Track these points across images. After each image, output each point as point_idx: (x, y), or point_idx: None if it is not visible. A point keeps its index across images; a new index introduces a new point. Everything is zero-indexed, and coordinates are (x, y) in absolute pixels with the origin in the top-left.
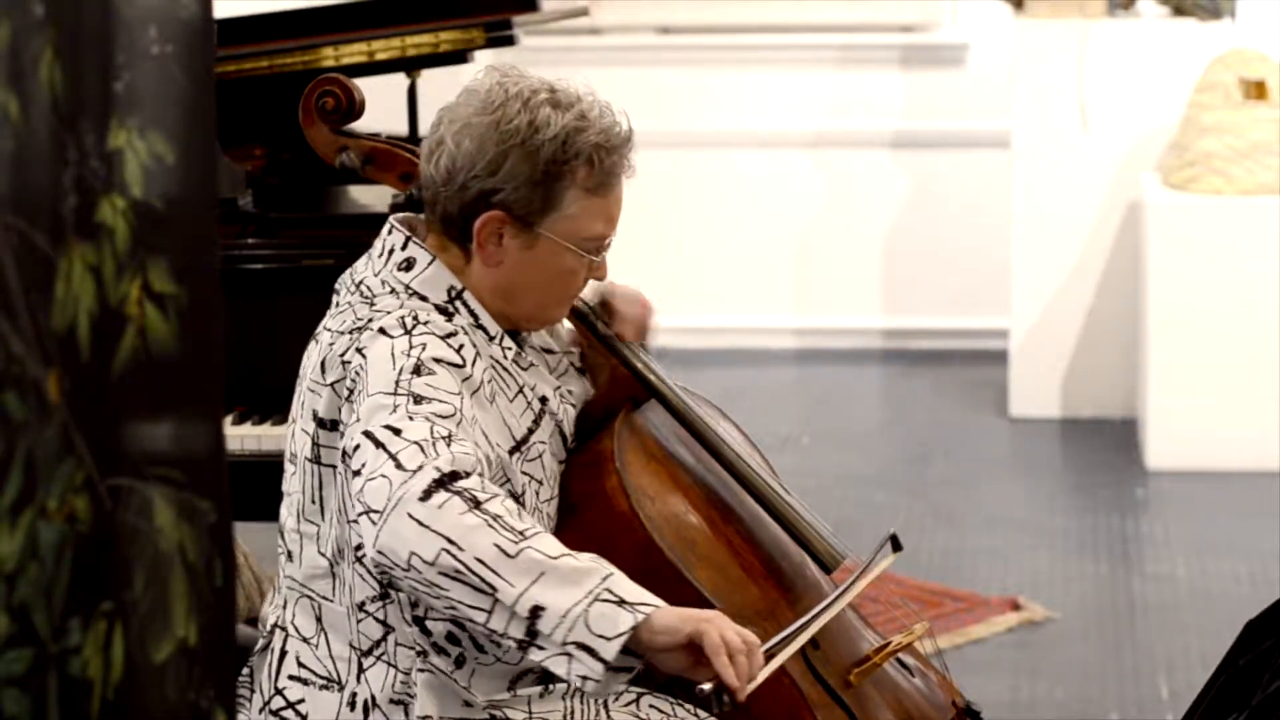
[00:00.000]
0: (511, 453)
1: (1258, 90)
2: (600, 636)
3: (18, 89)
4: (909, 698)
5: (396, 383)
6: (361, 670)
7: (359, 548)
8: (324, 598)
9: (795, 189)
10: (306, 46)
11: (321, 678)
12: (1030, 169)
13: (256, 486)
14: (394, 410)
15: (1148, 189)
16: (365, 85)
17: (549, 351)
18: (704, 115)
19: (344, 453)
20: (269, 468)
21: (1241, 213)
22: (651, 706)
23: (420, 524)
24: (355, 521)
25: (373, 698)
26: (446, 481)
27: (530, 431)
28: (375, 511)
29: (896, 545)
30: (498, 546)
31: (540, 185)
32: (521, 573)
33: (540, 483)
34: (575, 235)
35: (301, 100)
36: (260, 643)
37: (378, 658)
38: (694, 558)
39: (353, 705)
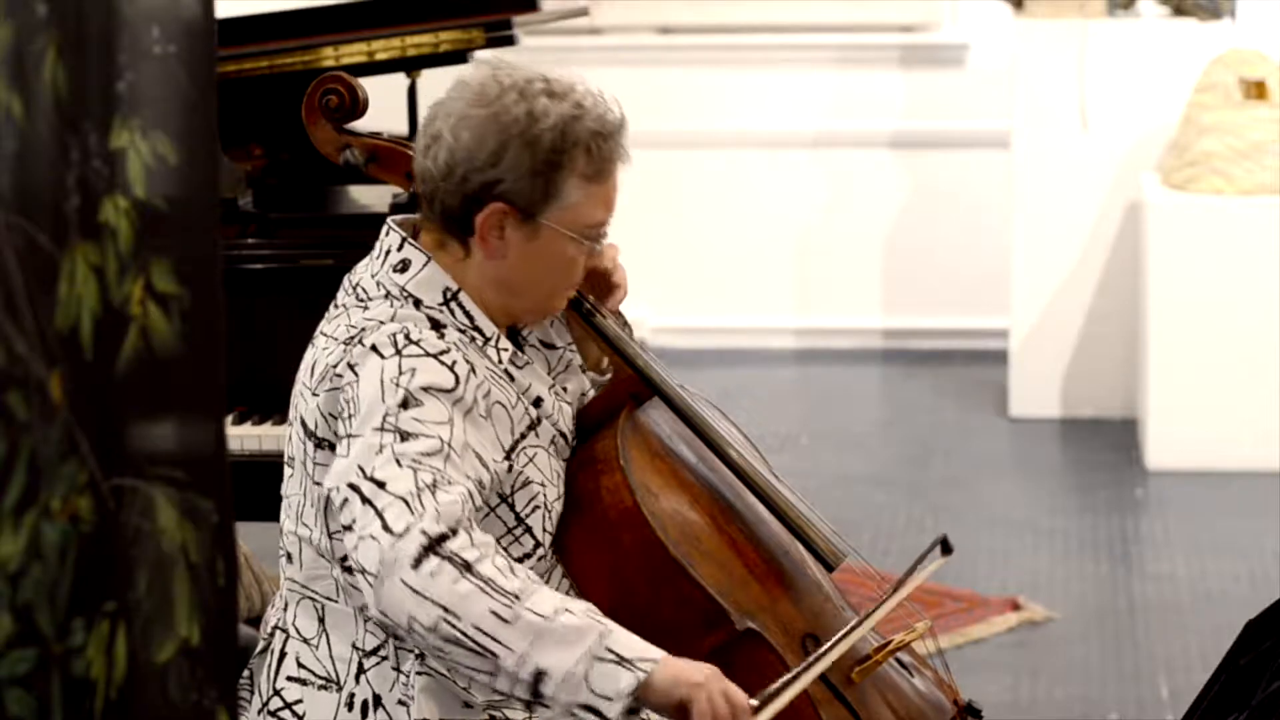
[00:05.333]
0: (506, 458)
1: (1258, 90)
2: (603, 697)
3: (21, 89)
4: (908, 697)
5: (384, 417)
6: (362, 671)
7: (343, 557)
8: (327, 598)
9: (795, 189)
10: (306, 46)
11: (320, 678)
12: (1030, 169)
13: (256, 486)
14: (379, 451)
15: (1148, 189)
16: (365, 85)
17: (549, 347)
18: (704, 115)
19: (329, 497)
20: (269, 468)
21: (1241, 213)
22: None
23: (414, 591)
24: (354, 572)
25: (375, 698)
26: (435, 546)
27: (523, 436)
28: (370, 574)
29: (947, 549)
30: (494, 613)
31: (541, 175)
32: (519, 637)
33: (543, 484)
34: (577, 223)
35: (305, 98)
36: (260, 645)
37: (382, 658)
38: (698, 554)
39: (350, 706)
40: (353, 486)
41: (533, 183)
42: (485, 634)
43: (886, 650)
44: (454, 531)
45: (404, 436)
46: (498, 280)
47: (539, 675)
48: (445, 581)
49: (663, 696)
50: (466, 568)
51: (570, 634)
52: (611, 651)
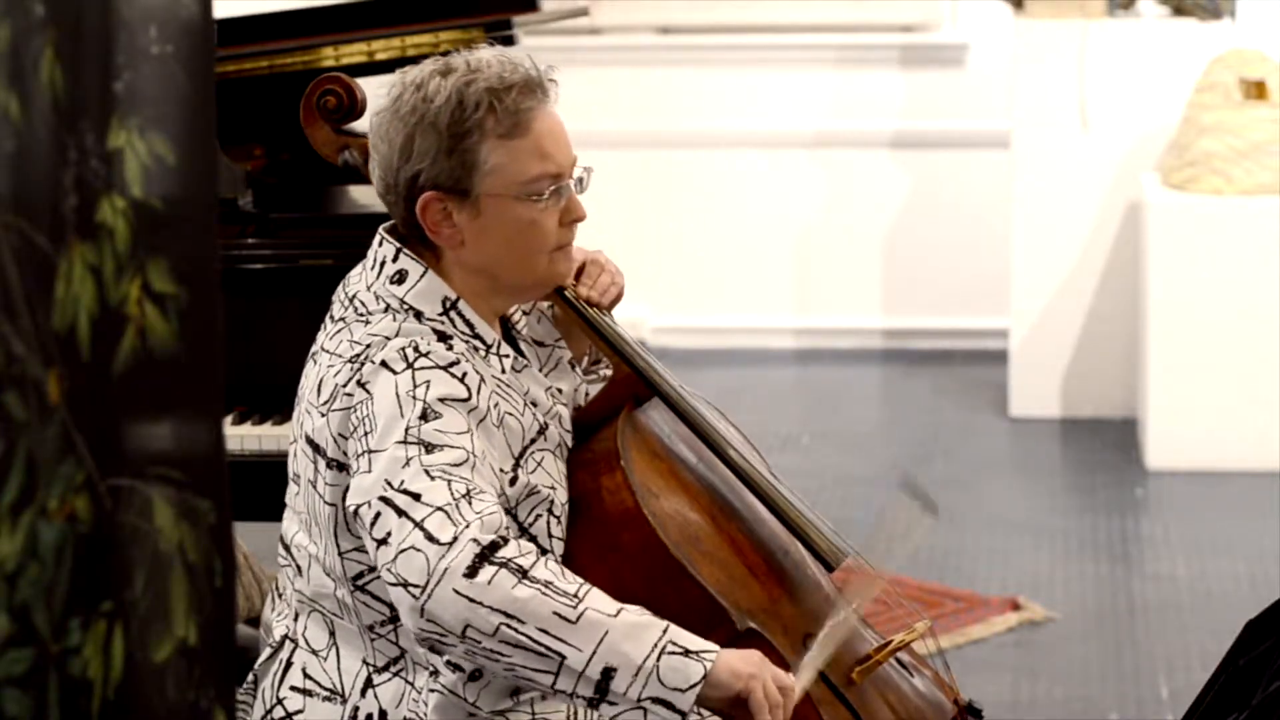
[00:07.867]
0: (515, 467)
1: (1258, 90)
2: (675, 689)
3: (18, 89)
4: (909, 697)
5: (406, 430)
6: (370, 685)
7: (355, 575)
8: (334, 614)
9: (795, 189)
10: (306, 46)
11: (325, 689)
12: (1030, 169)
13: (256, 486)
14: (406, 464)
15: (1148, 189)
16: (364, 86)
17: (540, 344)
18: (704, 115)
19: (356, 511)
20: (269, 468)
21: (1241, 213)
22: None
23: (470, 600)
24: (387, 586)
25: (381, 713)
26: (488, 554)
27: (531, 442)
28: (414, 586)
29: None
30: (557, 614)
31: (453, 151)
32: (586, 636)
33: (552, 488)
34: (512, 182)
35: (303, 99)
36: (267, 651)
37: (395, 674)
38: (698, 555)
39: (355, 719)
40: (384, 500)
41: (449, 161)
42: (550, 635)
43: (887, 650)
44: (504, 540)
45: (429, 448)
46: (475, 269)
47: (608, 672)
48: (504, 587)
49: (724, 689)
50: (522, 573)
51: (635, 630)
52: (676, 644)
